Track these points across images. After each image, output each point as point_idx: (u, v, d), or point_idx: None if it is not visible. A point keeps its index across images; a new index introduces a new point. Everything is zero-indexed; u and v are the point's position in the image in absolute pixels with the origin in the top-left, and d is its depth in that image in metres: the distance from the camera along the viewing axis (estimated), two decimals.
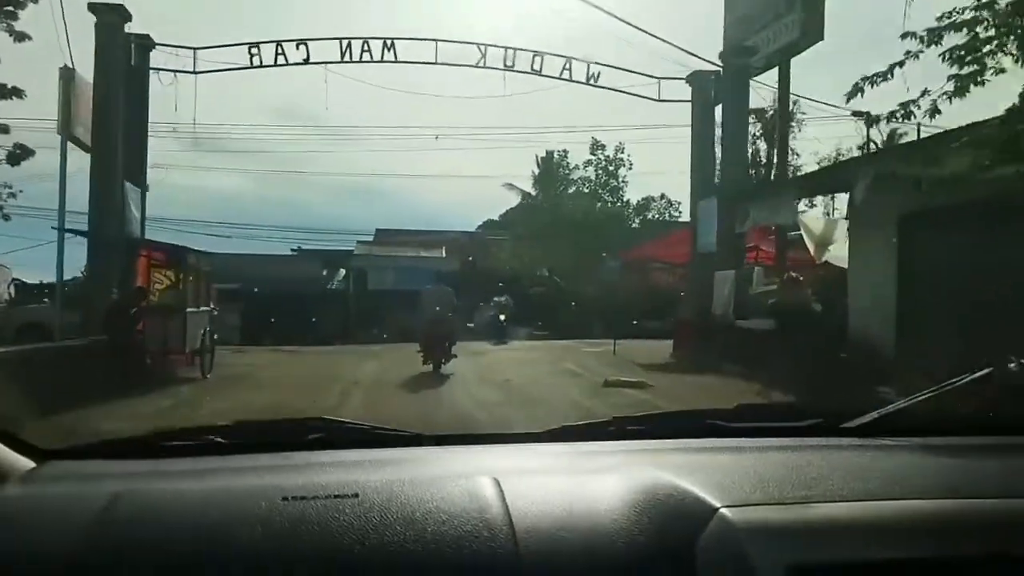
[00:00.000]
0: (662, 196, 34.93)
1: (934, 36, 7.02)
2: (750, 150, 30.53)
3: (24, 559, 1.01)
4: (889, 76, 7.27)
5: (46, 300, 18.85)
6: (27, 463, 1.28)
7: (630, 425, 1.59)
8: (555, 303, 28.60)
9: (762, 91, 17.51)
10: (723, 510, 1.10)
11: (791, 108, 19.21)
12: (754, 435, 1.53)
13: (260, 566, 0.99)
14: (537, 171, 34.45)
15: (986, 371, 1.67)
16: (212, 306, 17.84)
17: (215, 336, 17.74)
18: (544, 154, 33.91)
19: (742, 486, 1.20)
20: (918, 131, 14.52)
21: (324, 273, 32.73)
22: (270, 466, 1.32)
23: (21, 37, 15.71)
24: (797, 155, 27.50)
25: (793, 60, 15.42)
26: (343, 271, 33.29)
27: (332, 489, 1.13)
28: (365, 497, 1.10)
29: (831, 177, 13.60)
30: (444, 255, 33.52)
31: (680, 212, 33.51)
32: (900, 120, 7.61)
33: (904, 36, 7.15)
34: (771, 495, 1.18)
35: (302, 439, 1.45)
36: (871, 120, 25.35)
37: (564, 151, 33.59)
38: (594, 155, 31.68)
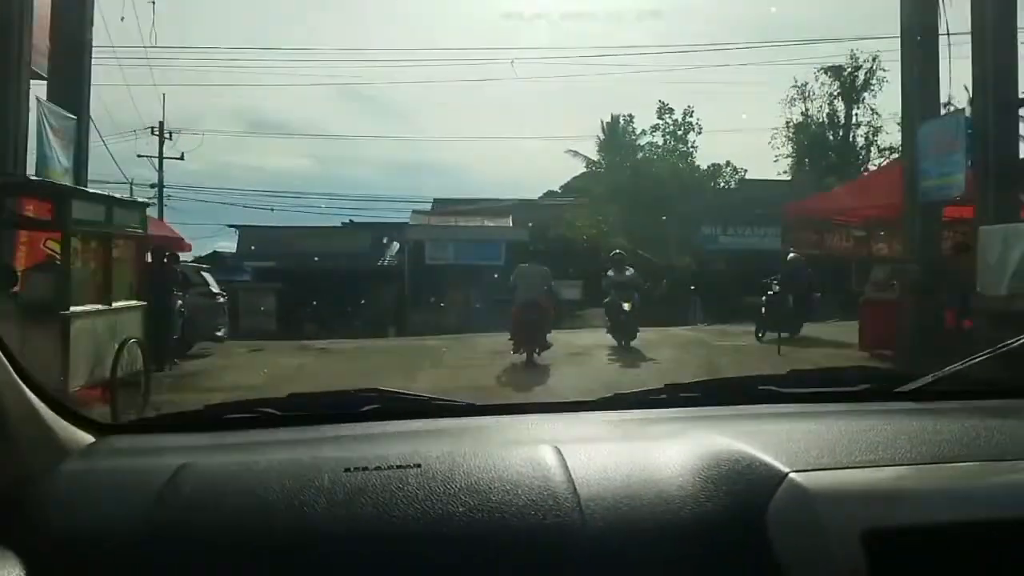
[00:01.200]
0: (727, 163, 31.51)
1: None
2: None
3: (93, 532, 1.00)
4: None
5: None
6: (87, 437, 1.27)
7: (683, 392, 1.56)
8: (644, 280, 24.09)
9: None
10: (793, 475, 1.07)
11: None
12: (808, 401, 1.51)
13: (326, 537, 0.98)
14: (602, 136, 31.94)
15: None
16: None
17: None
18: (609, 119, 31.60)
19: (808, 451, 1.17)
20: None
21: (375, 247, 28.35)
22: (328, 437, 1.31)
23: None
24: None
25: None
26: (396, 245, 28.77)
27: (394, 460, 1.12)
28: (428, 467, 1.09)
29: None
30: (511, 224, 29.25)
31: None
32: None
33: None
34: (839, 460, 1.15)
35: (356, 411, 1.43)
36: None
37: (630, 115, 31.03)
38: (661, 119, 28.79)
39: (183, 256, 14.27)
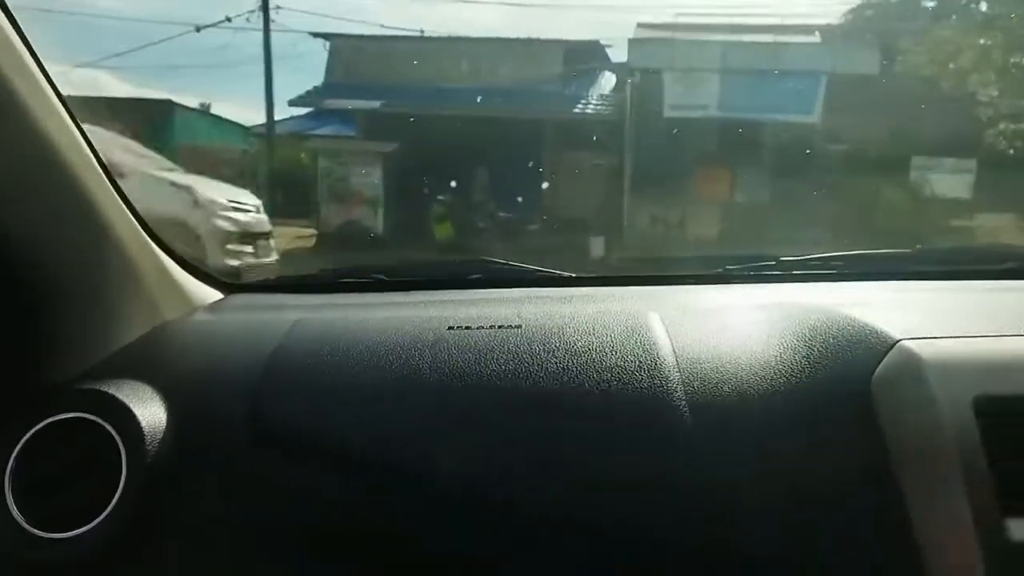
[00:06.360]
0: None
1: None
2: None
3: (221, 373, 1.09)
4: None
5: None
6: (214, 293, 1.37)
7: (796, 269, 1.51)
8: None
9: None
10: (904, 342, 1.02)
11: None
12: (936, 279, 1.44)
13: (427, 389, 1.05)
14: None
15: None
16: None
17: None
18: None
19: (922, 322, 1.09)
20: None
21: (567, 83, 16.12)
22: (434, 301, 1.36)
23: None
24: None
25: None
26: (611, 78, 15.90)
27: (494, 320, 1.17)
28: (527, 328, 1.13)
29: None
30: (820, 40, 16.16)
31: None
32: None
33: None
34: (954, 329, 1.07)
35: (462, 278, 1.51)
36: None
37: None
38: None
39: None
